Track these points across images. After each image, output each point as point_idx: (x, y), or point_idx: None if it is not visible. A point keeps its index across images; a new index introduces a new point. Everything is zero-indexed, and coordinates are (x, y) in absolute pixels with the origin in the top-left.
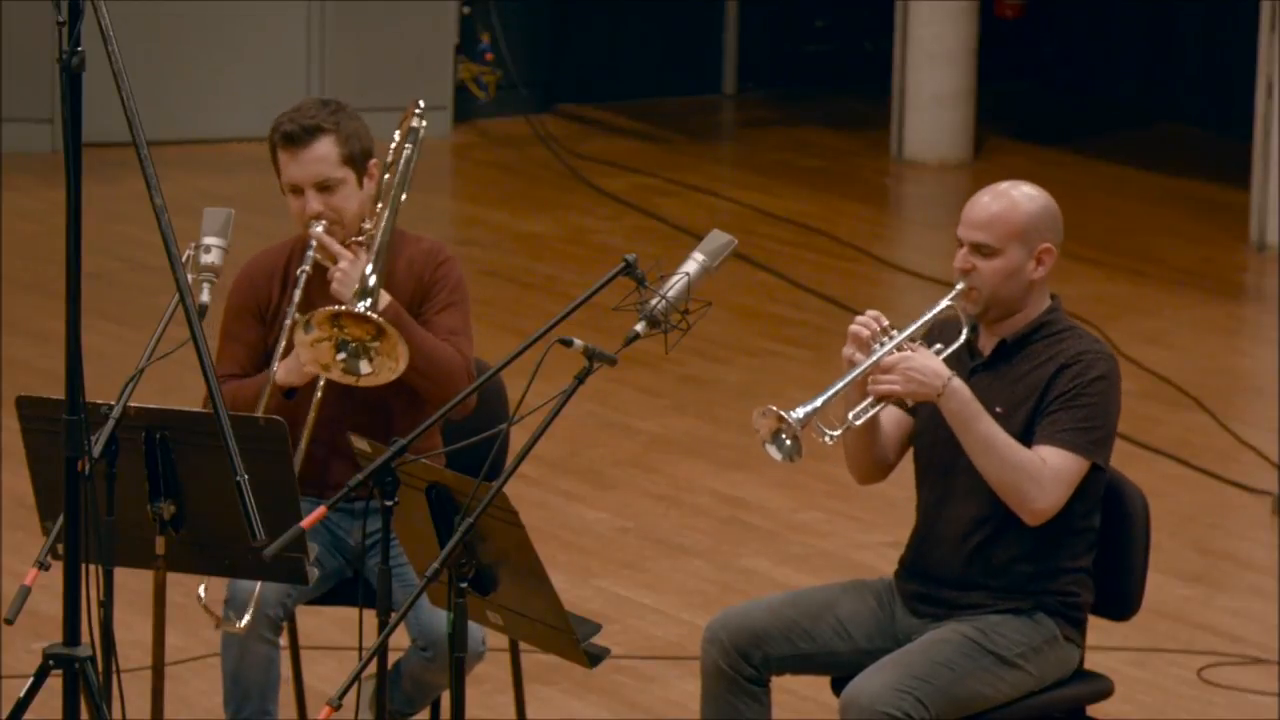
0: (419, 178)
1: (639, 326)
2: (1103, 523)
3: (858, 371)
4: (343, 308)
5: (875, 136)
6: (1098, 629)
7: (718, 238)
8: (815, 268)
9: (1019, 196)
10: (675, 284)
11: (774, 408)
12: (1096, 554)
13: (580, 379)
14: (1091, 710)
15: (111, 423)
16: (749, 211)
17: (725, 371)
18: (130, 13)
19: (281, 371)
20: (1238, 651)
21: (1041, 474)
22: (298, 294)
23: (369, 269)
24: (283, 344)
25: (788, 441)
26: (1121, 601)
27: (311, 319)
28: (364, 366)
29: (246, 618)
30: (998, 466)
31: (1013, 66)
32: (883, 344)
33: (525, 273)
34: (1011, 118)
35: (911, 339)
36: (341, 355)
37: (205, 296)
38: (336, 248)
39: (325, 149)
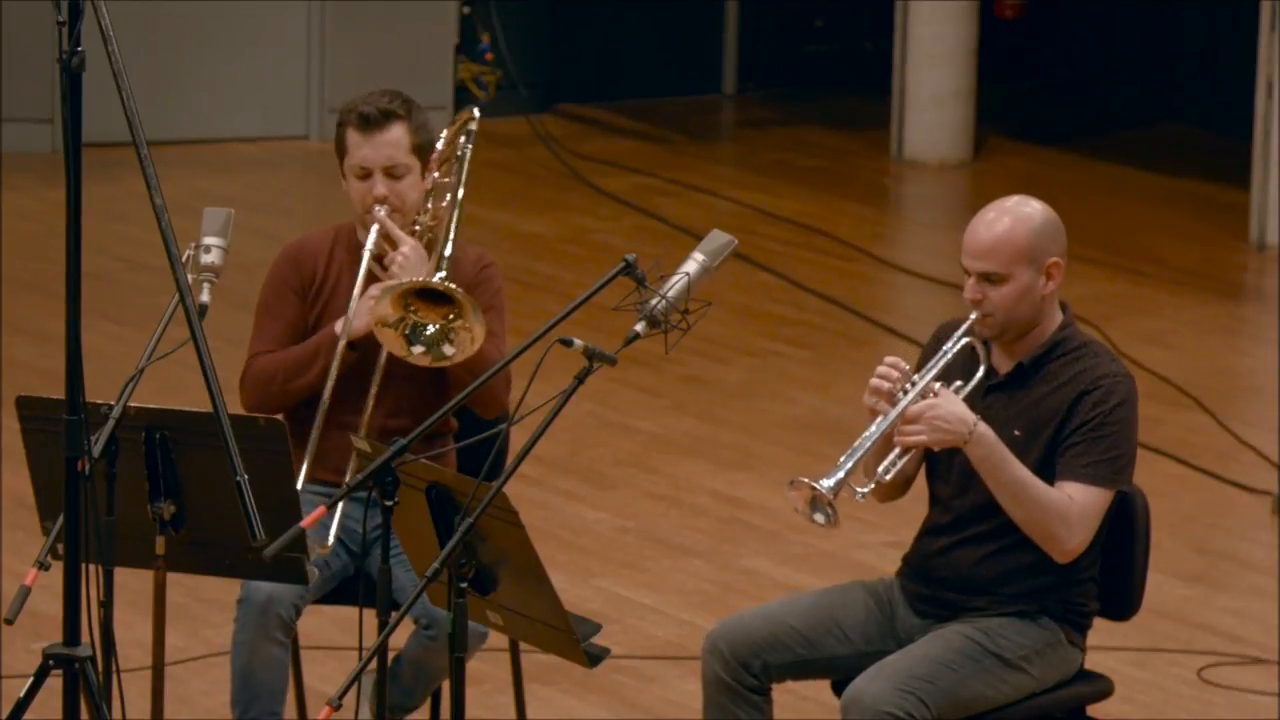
0: None
1: (639, 326)
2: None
3: (886, 423)
4: (419, 279)
5: (875, 136)
6: (1098, 629)
7: (718, 238)
8: (815, 268)
9: (1019, 216)
10: (675, 284)
11: (805, 479)
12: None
13: (580, 379)
14: (1091, 710)
15: (111, 423)
16: (749, 211)
17: (725, 371)
18: (130, 13)
19: (356, 314)
20: (1238, 651)
21: (1069, 513)
22: (363, 268)
23: (446, 251)
24: (356, 293)
25: (824, 506)
26: (1121, 601)
27: (388, 295)
28: (449, 350)
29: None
30: (1028, 510)
31: (1013, 66)
32: (905, 391)
33: (525, 273)
34: (1011, 118)
35: (933, 382)
36: (419, 349)
37: (205, 296)
38: (398, 232)
39: (399, 134)
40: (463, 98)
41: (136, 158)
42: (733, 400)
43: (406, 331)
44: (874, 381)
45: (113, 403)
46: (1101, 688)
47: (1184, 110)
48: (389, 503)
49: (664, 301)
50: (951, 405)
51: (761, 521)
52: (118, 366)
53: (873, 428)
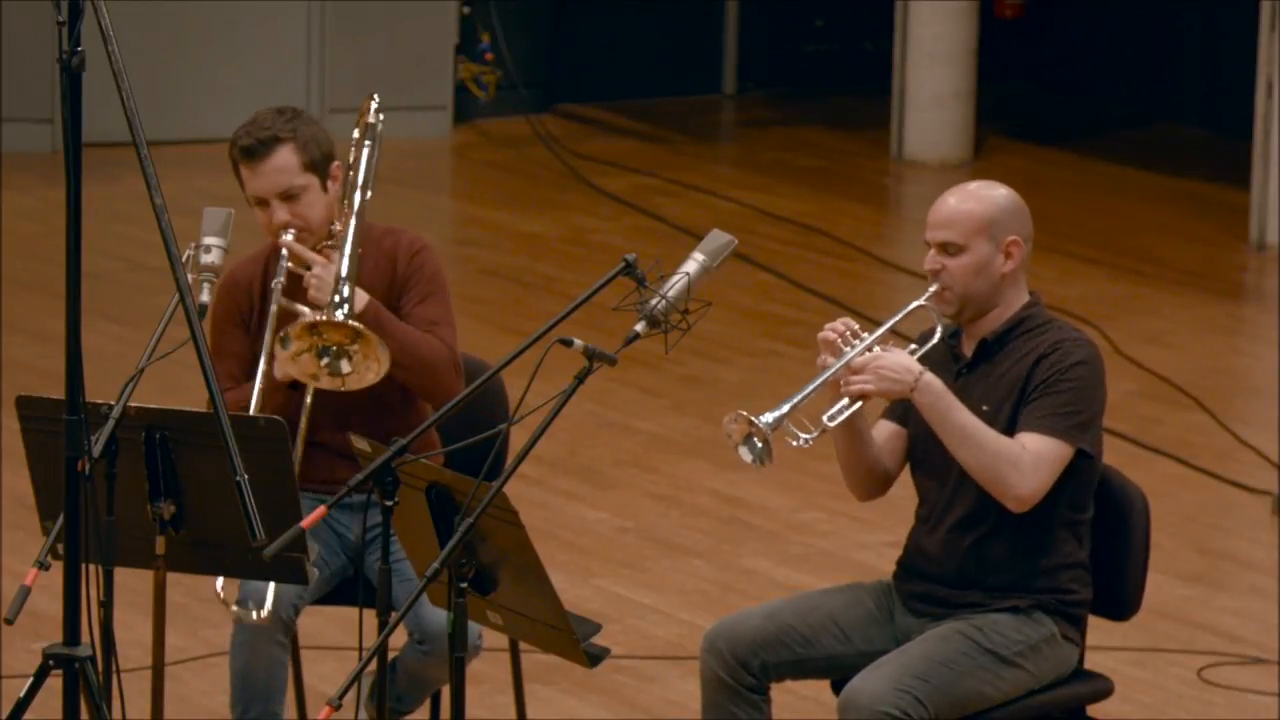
0: (419, 178)
1: (639, 326)
2: (1103, 523)
3: (828, 374)
4: (321, 317)
5: (875, 136)
6: (1098, 629)
7: (718, 238)
8: (815, 268)
9: (981, 193)
10: (675, 284)
11: (744, 413)
12: (1097, 554)
13: (580, 379)
14: (1091, 710)
15: (111, 423)
16: (749, 211)
17: (725, 371)
18: (130, 13)
19: (278, 367)
20: (1238, 651)
21: (1021, 459)
22: (274, 307)
23: (342, 273)
24: (267, 340)
25: (759, 444)
26: (1121, 601)
27: (289, 333)
28: (344, 366)
29: (266, 608)
30: (976, 455)
31: (1013, 66)
32: (853, 346)
33: (525, 273)
34: (1011, 118)
35: (881, 340)
36: (325, 360)
37: (205, 296)
38: (308, 254)
39: (285, 158)
40: (463, 98)
41: (136, 158)
42: (733, 400)
43: (316, 351)
44: (822, 335)
45: (113, 403)
46: (1101, 687)
47: (1184, 110)
48: (389, 503)
49: (664, 301)
50: (897, 355)
51: (761, 521)
52: (118, 366)
53: (816, 377)
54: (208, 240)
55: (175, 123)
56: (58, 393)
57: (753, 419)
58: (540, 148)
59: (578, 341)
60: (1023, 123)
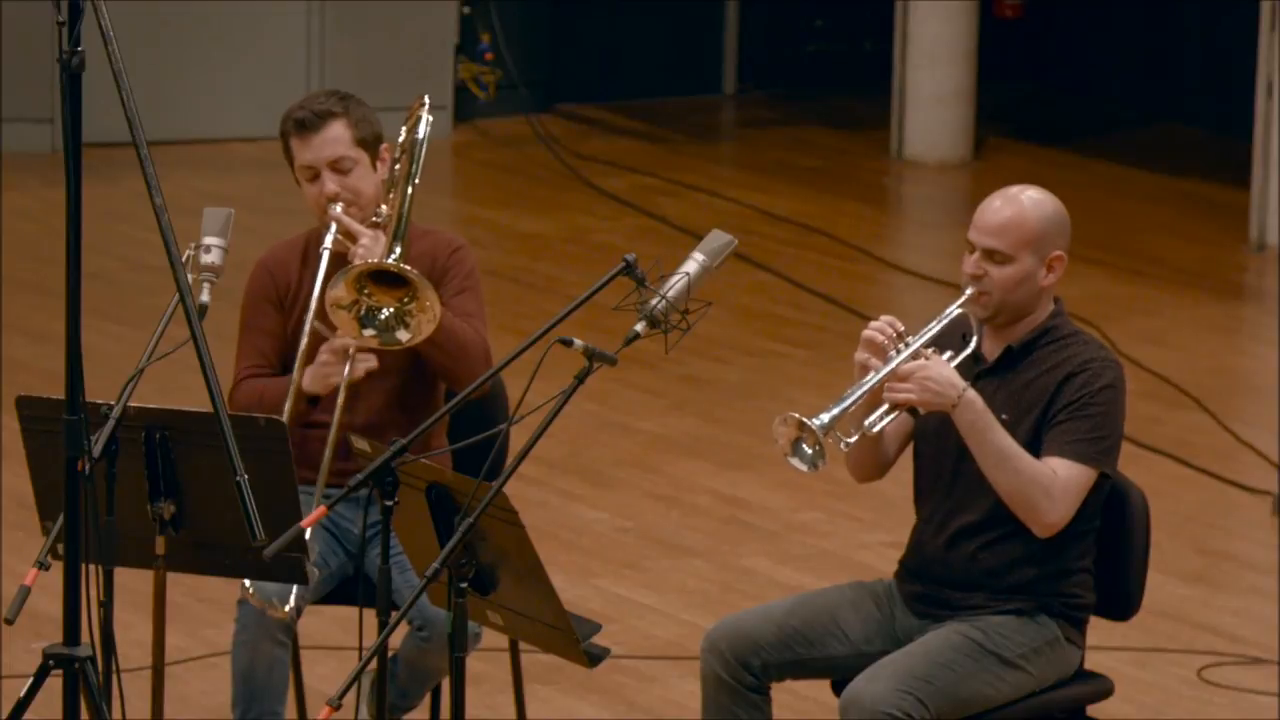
0: (419, 177)
1: (639, 326)
2: (1103, 522)
3: (877, 378)
4: (372, 261)
5: (875, 136)
6: (1098, 629)
7: (718, 238)
8: (815, 268)
9: (1031, 203)
10: (675, 284)
11: (795, 414)
12: (1097, 554)
13: (580, 379)
14: (1091, 710)
15: (111, 423)
16: (749, 211)
17: (725, 371)
18: (130, 13)
19: (307, 379)
20: (1238, 651)
21: (1052, 486)
22: (320, 275)
23: (395, 250)
24: (304, 344)
25: (809, 450)
26: (1121, 601)
27: (340, 276)
28: (403, 335)
29: (290, 605)
30: (1011, 479)
31: (1013, 66)
32: (899, 351)
33: (525, 273)
34: (1011, 118)
35: (926, 346)
36: (370, 331)
37: (205, 296)
38: (356, 226)
39: (337, 131)
40: (463, 98)
41: (136, 158)
42: (733, 400)
43: (360, 314)
44: (867, 334)
45: (113, 403)
46: (1101, 688)
47: (1184, 110)
48: (389, 503)
49: (664, 301)
50: (942, 368)
51: (761, 521)
52: (118, 366)
53: (864, 381)
54: (208, 240)
55: (175, 123)
56: (58, 393)
57: (805, 420)
58: (540, 148)
59: (578, 341)
60: (1023, 123)
